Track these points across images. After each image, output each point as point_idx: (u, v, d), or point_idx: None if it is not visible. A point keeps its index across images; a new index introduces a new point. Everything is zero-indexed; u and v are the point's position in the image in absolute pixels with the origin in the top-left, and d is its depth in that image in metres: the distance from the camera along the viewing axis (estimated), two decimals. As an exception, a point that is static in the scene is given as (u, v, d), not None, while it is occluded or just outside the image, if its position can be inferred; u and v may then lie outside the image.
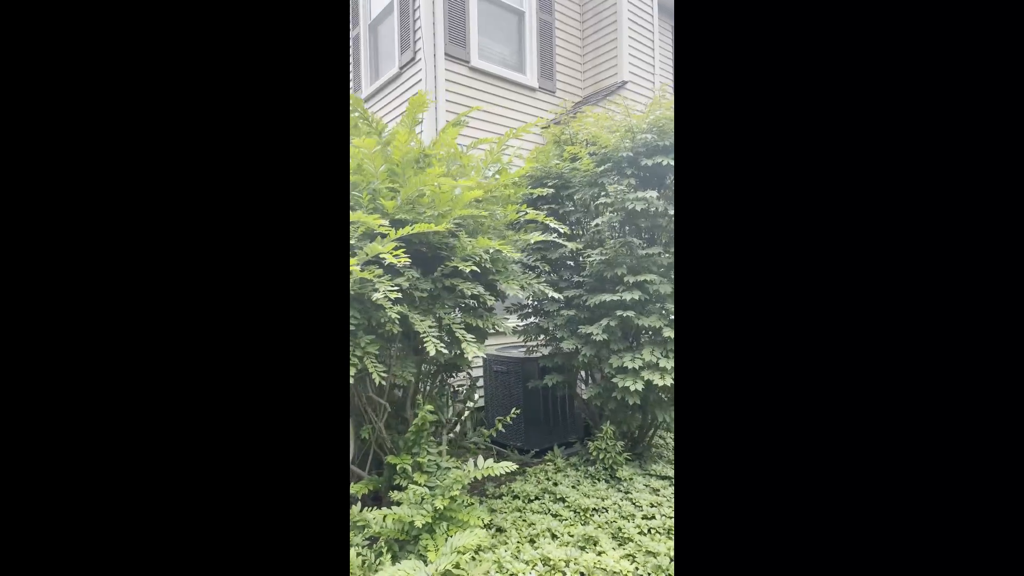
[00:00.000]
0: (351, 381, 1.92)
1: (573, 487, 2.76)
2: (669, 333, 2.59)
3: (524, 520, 2.42)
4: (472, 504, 2.28)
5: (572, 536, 2.21)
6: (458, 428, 4.33)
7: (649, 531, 2.24)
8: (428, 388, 2.98)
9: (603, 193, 2.67)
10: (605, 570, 1.91)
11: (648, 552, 2.05)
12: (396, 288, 1.90)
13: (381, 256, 1.89)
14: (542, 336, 3.19)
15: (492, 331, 2.60)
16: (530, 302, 3.27)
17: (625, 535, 2.20)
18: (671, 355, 2.61)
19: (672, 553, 2.03)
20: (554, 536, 2.25)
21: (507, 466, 2.22)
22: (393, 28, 5.08)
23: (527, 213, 2.59)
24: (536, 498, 2.69)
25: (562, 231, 2.58)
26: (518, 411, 3.07)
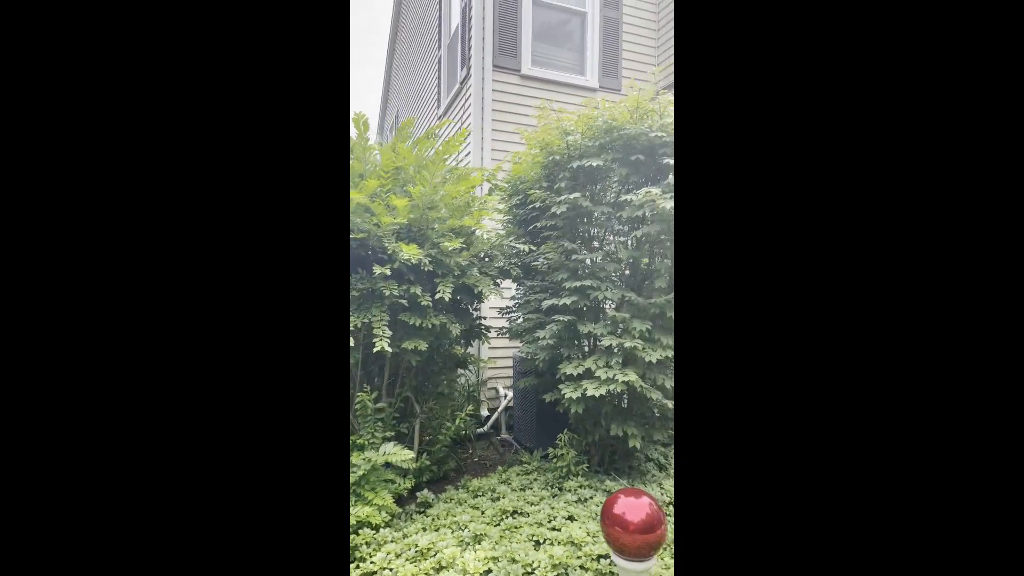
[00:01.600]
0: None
1: (520, 489, 2.78)
2: (611, 342, 2.47)
3: (449, 511, 2.55)
4: (394, 485, 2.49)
5: (469, 531, 2.28)
6: (487, 424, 4.54)
7: (544, 540, 2.20)
8: (404, 381, 3.25)
9: (534, 198, 2.65)
10: (455, 566, 1.97)
11: (512, 560, 2.04)
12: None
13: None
14: (517, 339, 3.24)
15: (431, 329, 2.76)
16: (511, 305, 3.33)
17: (516, 540, 2.20)
18: (612, 365, 2.49)
19: (539, 564, 1.99)
20: (459, 528, 2.34)
21: (406, 454, 2.38)
22: (458, 47, 5.46)
23: (473, 218, 2.70)
24: (481, 494, 2.78)
25: (492, 236, 2.64)
26: (495, 410, 3.18)
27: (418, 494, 2.74)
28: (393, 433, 2.80)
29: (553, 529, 2.31)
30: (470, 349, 3.95)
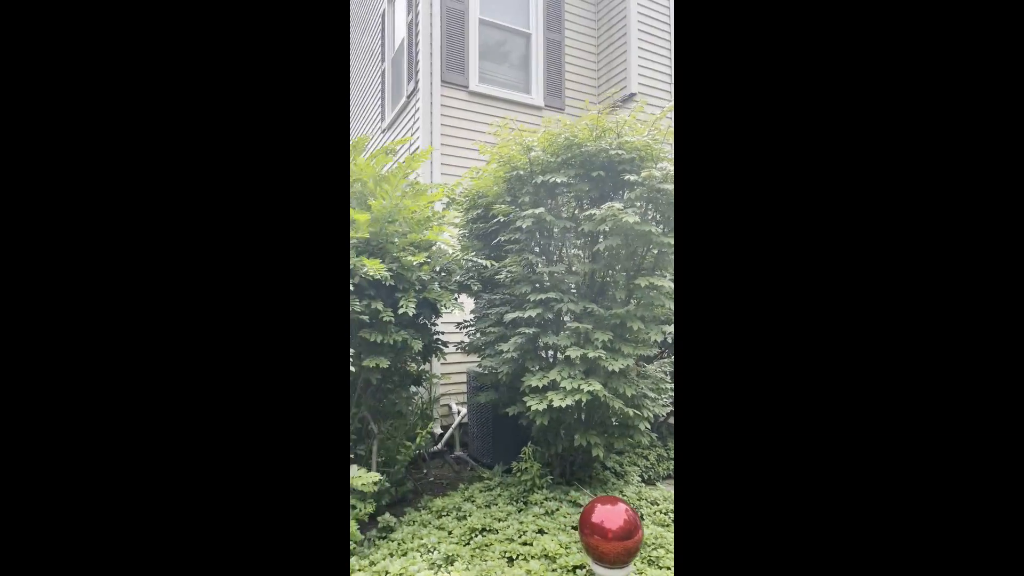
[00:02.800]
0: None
1: (486, 506, 2.74)
2: (573, 353, 2.51)
3: (414, 533, 2.47)
4: (354, 510, 2.38)
5: (439, 553, 2.22)
6: (441, 442, 4.45)
7: (517, 556, 2.18)
8: (360, 400, 3.13)
9: (499, 212, 2.68)
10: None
11: (488, 577, 2.00)
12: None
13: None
14: (478, 354, 3.22)
15: (392, 345, 2.69)
16: (469, 319, 3.32)
17: (488, 557, 2.16)
18: (575, 376, 2.53)
19: (516, 581, 1.97)
20: (428, 551, 2.27)
21: (372, 477, 2.29)
22: (404, 61, 5.43)
23: (433, 232, 2.68)
24: (446, 514, 2.71)
25: (451, 250, 2.63)
26: (441, 426, 3.11)
27: (379, 518, 2.63)
28: (352, 455, 2.68)
29: (525, 544, 2.29)
30: (424, 365, 3.87)
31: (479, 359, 3.49)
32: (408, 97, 5.20)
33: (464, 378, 4.53)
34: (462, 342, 3.50)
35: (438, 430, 4.52)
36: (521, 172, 2.69)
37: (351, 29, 8.00)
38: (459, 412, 4.67)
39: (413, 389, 3.94)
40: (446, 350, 3.38)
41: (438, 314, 3.13)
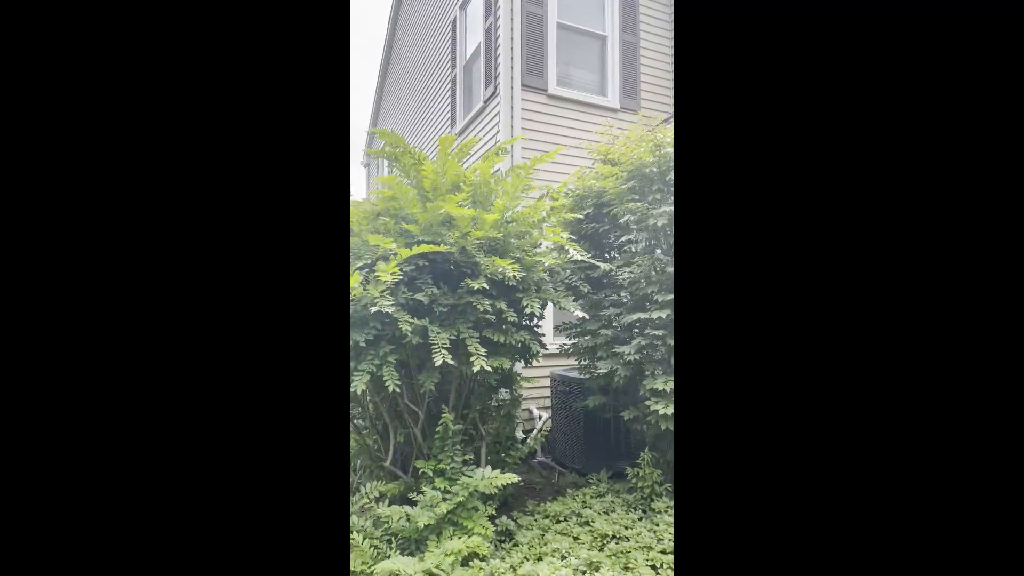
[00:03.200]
0: (363, 387, 2.14)
1: (604, 512, 2.67)
2: (704, 356, 2.43)
3: (542, 539, 2.42)
4: (479, 512, 2.35)
5: (579, 559, 2.16)
6: (524, 445, 4.41)
7: (661, 565, 2.11)
8: (468, 401, 3.12)
9: (627, 210, 2.62)
10: (590, 595, 1.86)
11: (644, 585, 1.93)
12: (393, 302, 2.10)
13: (392, 273, 2.11)
14: (586, 357, 3.17)
15: (513, 346, 2.66)
16: (576, 321, 3.27)
17: (632, 565, 2.10)
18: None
19: (673, 590, 1.89)
20: (562, 557, 2.22)
21: (509, 478, 2.26)
22: (480, 66, 5.48)
23: (545, 233, 2.65)
24: (564, 519, 2.66)
25: (574, 251, 2.59)
26: (547, 431, 3.07)
27: (496, 521, 2.60)
28: (471, 457, 2.66)
29: (664, 552, 2.21)
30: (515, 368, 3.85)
31: (578, 362, 3.43)
32: (485, 101, 5.23)
33: (546, 382, 4.48)
34: (564, 345, 3.45)
35: (519, 434, 4.48)
36: (650, 170, 2.63)
37: (417, 36, 8.15)
38: (540, 416, 4.62)
39: (503, 392, 3.92)
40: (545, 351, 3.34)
41: (541, 316, 3.09)
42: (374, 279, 2.19)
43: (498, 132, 4.89)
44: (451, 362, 2.23)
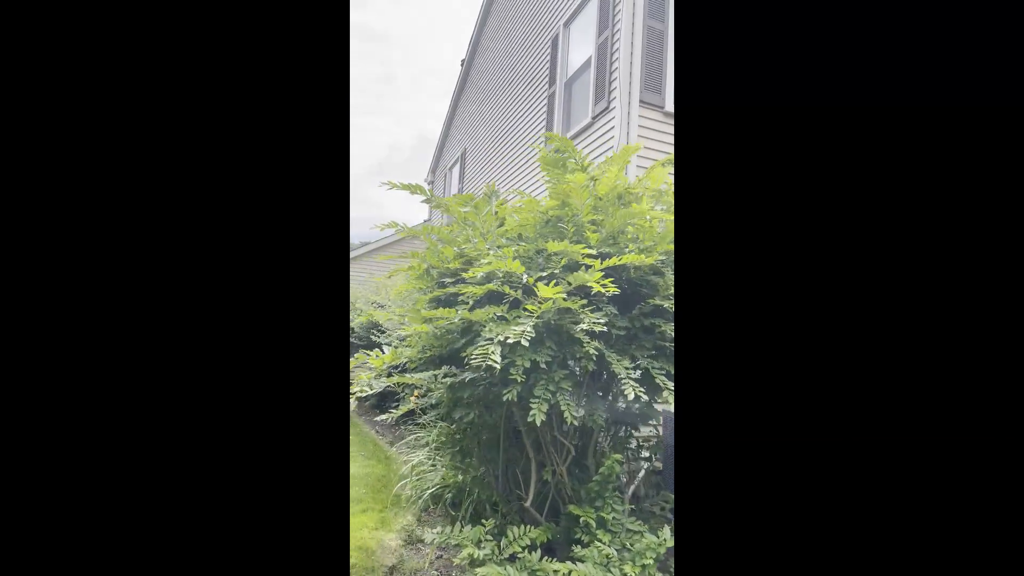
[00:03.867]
0: (542, 417, 1.84)
1: None
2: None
3: None
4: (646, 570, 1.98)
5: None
6: (631, 488, 4.01)
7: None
8: (609, 438, 2.78)
9: None
10: None
11: None
12: (601, 322, 1.80)
13: (588, 286, 1.82)
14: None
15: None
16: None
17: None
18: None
19: None
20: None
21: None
22: (589, 82, 5.28)
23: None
24: None
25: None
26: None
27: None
28: (633, 506, 2.31)
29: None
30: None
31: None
32: (594, 117, 5.02)
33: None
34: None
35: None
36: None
37: (502, 56, 8.10)
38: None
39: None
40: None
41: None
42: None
43: (610, 149, 4.65)
44: (644, 396, 1.90)
